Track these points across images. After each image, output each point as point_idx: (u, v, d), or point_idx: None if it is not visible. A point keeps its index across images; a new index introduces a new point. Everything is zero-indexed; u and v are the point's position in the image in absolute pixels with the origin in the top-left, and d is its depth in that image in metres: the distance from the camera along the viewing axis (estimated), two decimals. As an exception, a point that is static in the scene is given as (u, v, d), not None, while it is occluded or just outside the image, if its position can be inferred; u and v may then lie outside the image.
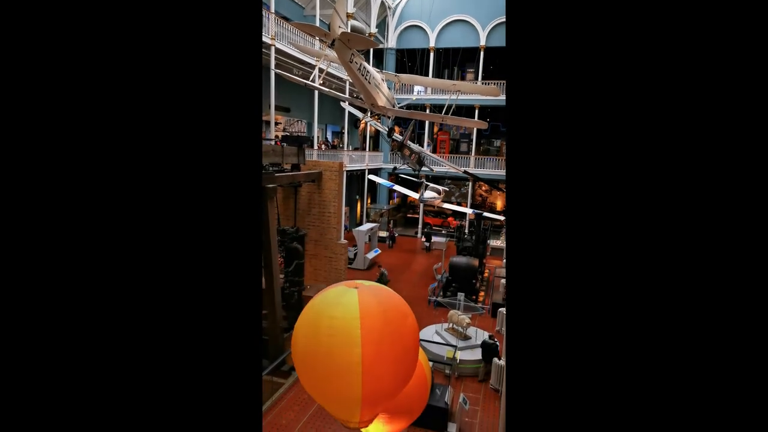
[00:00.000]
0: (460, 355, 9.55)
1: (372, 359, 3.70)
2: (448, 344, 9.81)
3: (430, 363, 8.34)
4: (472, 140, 24.67)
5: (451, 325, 10.73)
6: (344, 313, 3.81)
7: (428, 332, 10.94)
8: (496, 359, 9.40)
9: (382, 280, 14.54)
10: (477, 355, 9.87)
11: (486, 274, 17.25)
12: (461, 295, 12.26)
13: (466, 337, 10.42)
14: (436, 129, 28.26)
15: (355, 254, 17.80)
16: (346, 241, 13.66)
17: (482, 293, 14.95)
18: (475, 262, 14.73)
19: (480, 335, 10.53)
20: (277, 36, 13.83)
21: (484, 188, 28.58)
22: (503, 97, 15.54)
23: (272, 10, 13.73)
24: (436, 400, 7.83)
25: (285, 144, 10.96)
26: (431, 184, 17.30)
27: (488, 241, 18.91)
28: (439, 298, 13.80)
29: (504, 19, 20.08)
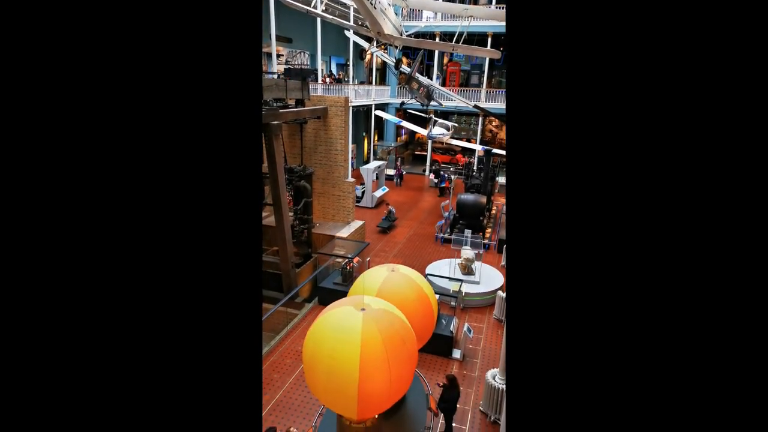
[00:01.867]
0: (465, 288, 9.92)
1: (367, 383, 4.25)
2: (452, 278, 10.15)
3: (437, 296, 8.73)
4: (483, 72, 23.43)
5: (462, 260, 11.05)
6: (347, 338, 4.32)
7: (434, 267, 11.28)
8: (500, 292, 9.75)
9: (389, 218, 14.72)
10: (480, 288, 10.25)
11: (493, 211, 17.33)
12: (468, 232, 12.44)
13: (470, 272, 10.75)
14: (446, 60, 26.79)
15: (363, 192, 17.87)
16: (353, 180, 13.63)
17: (489, 230, 15.13)
18: (483, 199, 14.72)
19: (482, 269, 10.83)
20: (273, -45, 12.70)
21: (494, 123, 27.71)
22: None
23: (267, -76, 12.46)
24: (441, 329, 8.29)
25: (288, 77, 10.53)
26: (440, 120, 16.78)
27: (497, 178, 18.74)
28: (446, 235, 14.03)
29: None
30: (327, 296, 9.91)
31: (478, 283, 10.44)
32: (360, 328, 4.35)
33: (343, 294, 10.15)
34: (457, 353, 8.20)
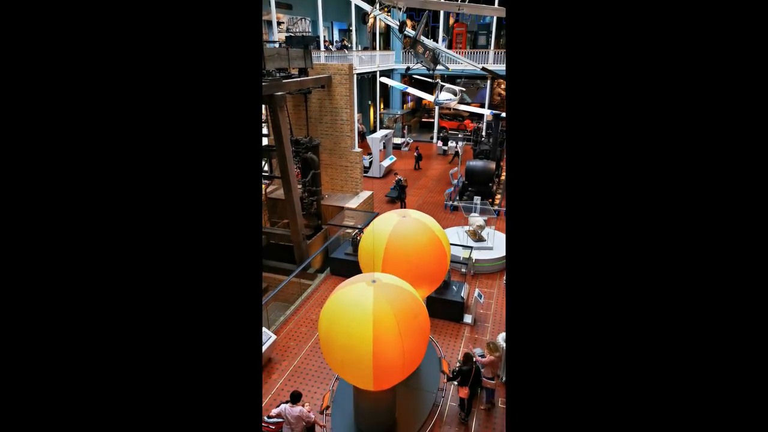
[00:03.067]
0: (475, 255, 9.96)
1: (381, 357, 4.37)
2: (463, 246, 10.18)
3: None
4: (491, 32, 22.50)
5: (469, 228, 11.03)
6: (359, 314, 4.42)
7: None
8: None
9: (398, 185, 14.66)
10: (490, 254, 10.28)
11: (503, 177, 17.13)
12: (477, 199, 12.36)
13: (481, 239, 10.76)
14: (452, 21, 25.74)
15: (371, 162, 17.72)
16: (360, 150, 13.50)
17: (498, 196, 15.02)
18: (492, 165, 14.51)
19: (493, 236, 10.83)
20: None
21: (503, 86, 26.88)
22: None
23: None
24: (453, 295, 8.41)
25: (290, 46, 10.24)
26: (447, 85, 16.33)
27: (506, 144, 18.36)
28: (455, 202, 13.97)
29: None
30: (339, 266, 10.05)
31: (491, 248, 10.44)
32: (372, 304, 4.44)
33: (355, 264, 10.21)
34: (468, 318, 8.35)
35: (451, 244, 10.28)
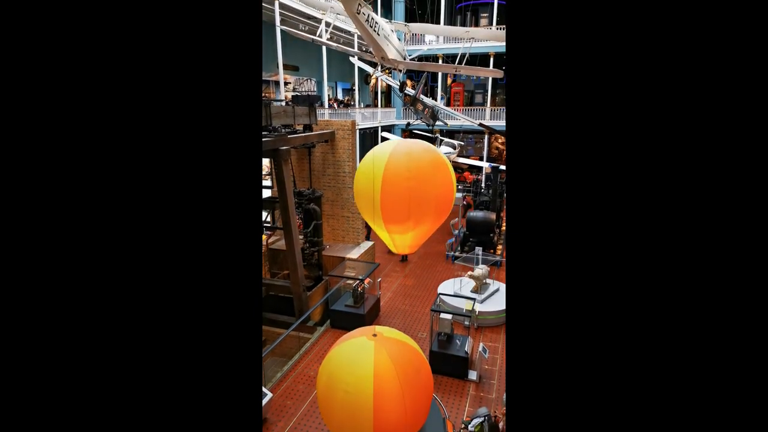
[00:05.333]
0: (479, 307, 9.76)
1: (383, 418, 4.18)
2: (466, 297, 10.00)
3: (449, 316, 8.56)
4: (487, 91, 23.72)
5: (468, 275, 10.92)
6: (359, 371, 4.30)
7: (447, 286, 11.16)
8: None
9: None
10: (493, 306, 10.06)
11: (503, 228, 17.19)
12: (479, 249, 12.33)
13: (478, 290, 10.60)
14: (449, 81, 27.21)
15: (372, 213, 17.86)
16: (362, 201, 13.69)
17: (500, 246, 15.00)
18: (492, 215, 14.66)
19: (495, 287, 10.67)
20: (279, -11, 13.19)
21: (500, 140, 27.80)
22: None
23: (272, -40, 13.01)
24: (456, 349, 8.13)
25: (296, 104, 10.78)
26: (446, 139, 16.93)
27: (505, 195, 18.65)
28: (457, 253, 13.93)
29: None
30: (339, 319, 9.81)
31: (481, 302, 10.23)
32: (372, 360, 4.30)
33: (356, 316, 9.94)
34: (473, 374, 8.00)
35: (452, 295, 10.15)
